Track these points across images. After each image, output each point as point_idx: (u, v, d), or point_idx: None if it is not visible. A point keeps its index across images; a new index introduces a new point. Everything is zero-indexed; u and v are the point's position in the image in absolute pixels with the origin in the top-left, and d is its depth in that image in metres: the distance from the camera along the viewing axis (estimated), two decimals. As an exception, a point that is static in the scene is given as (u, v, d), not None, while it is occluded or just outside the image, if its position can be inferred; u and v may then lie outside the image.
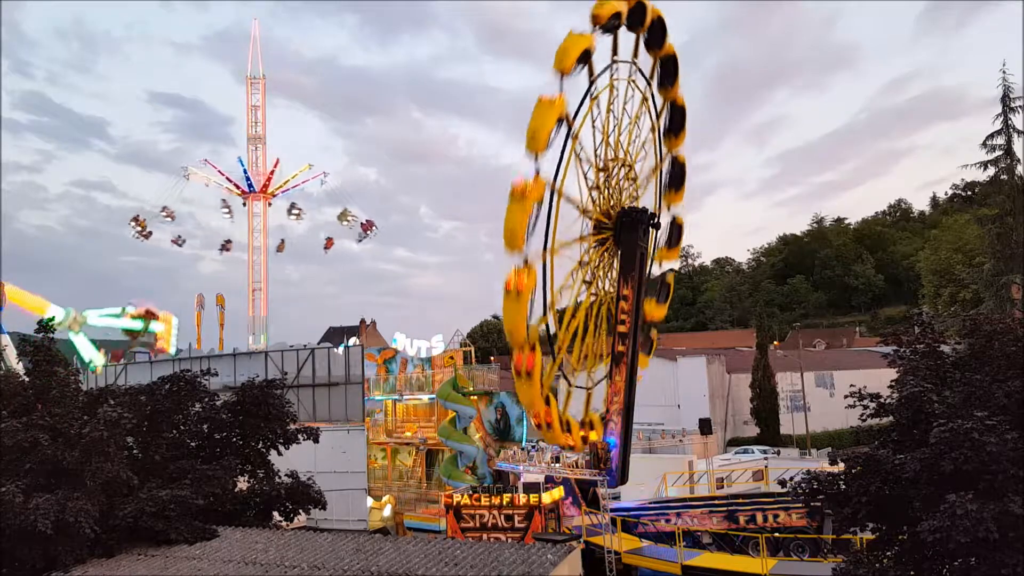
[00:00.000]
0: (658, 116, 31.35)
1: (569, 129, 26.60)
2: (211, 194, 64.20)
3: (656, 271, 32.59)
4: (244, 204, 61.03)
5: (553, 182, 26.17)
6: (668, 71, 30.84)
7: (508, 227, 24.58)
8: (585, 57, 26.32)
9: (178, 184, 59.66)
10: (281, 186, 61.12)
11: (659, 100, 31.29)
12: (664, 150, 32.06)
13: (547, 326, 27.35)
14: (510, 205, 24.55)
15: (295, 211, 62.14)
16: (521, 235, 24.56)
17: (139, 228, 58.41)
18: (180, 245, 61.14)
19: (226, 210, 61.17)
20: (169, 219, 59.54)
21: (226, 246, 63.15)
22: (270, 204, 61.62)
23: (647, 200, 31.22)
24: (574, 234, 27.90)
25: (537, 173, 24.99)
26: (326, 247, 64.01)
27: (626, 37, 29.05)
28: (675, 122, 31.93)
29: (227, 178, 60.73)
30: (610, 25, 27.24)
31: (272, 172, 60.89)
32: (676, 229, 33.46)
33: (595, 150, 28.60)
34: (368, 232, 62.80)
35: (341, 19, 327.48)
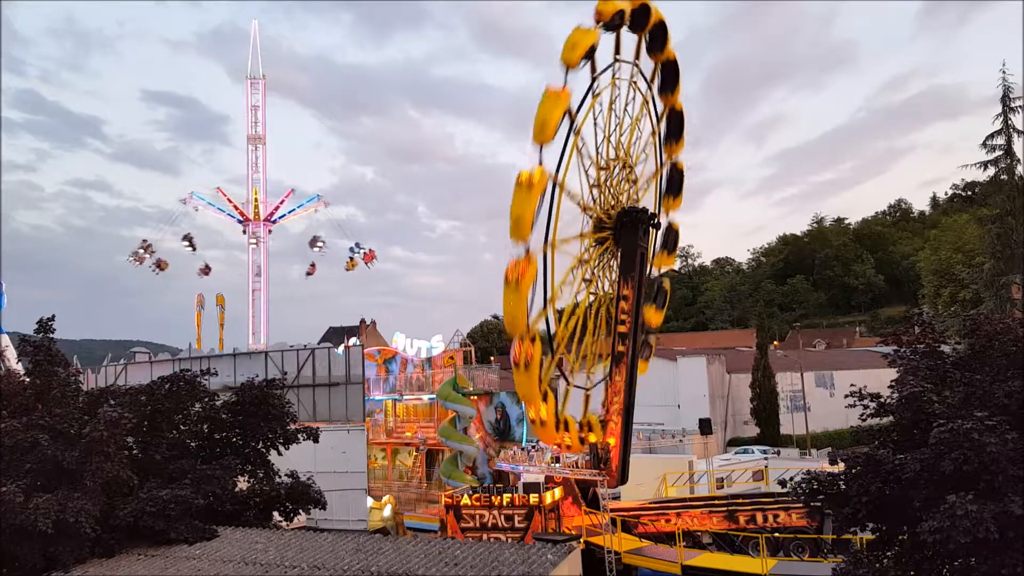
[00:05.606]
0: (659, 121, 31.31)
1: (572, 123, 26.51)
2: (209, 194, 63.64)
3: (653, 276, 32.55)
4: (244, 231, 61.04)
5: (555, 175, 26.05)
6: (668, 77, 30.91)
7: (515, 215, 24.32)
8: (590, 53, 26.32)
9: (180, 216, 59.56)
10: (270, 214, 60.90)
11: (659, 105, 31.28)
12: (664, 156, 32.09)
13: (547, 321, 27.23)
14: (516, 193, 24.30)
15: (359, 249, 62.36)
16: (528, 223, 24.35)
17: (149, 263, 57.96)
18: (207, 273, 61.26)
19: (187, 243, 60.54)
20: (148, 255, 58.78)
21: (205, 270, 62.57)
22: (270, 231, 61.55)
23: (646, 204, 31.11)
24: (575, 231, 27.85)
25: (541, 164, 24.87)
26: (309, 273, 63.87)
27: (628, 39, 29.07)
28: (674, 128, 31.98)
29: (236, 203, 60.23)
30: (613, 23, 27.21)
31: (256, 204, 60.63)
32: (673, 235, 33.55)
33: (596, 148, 28.58)
34: (315, 247, 62.41)
35: (336, 17, 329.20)
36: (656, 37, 29.67)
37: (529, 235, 24.62)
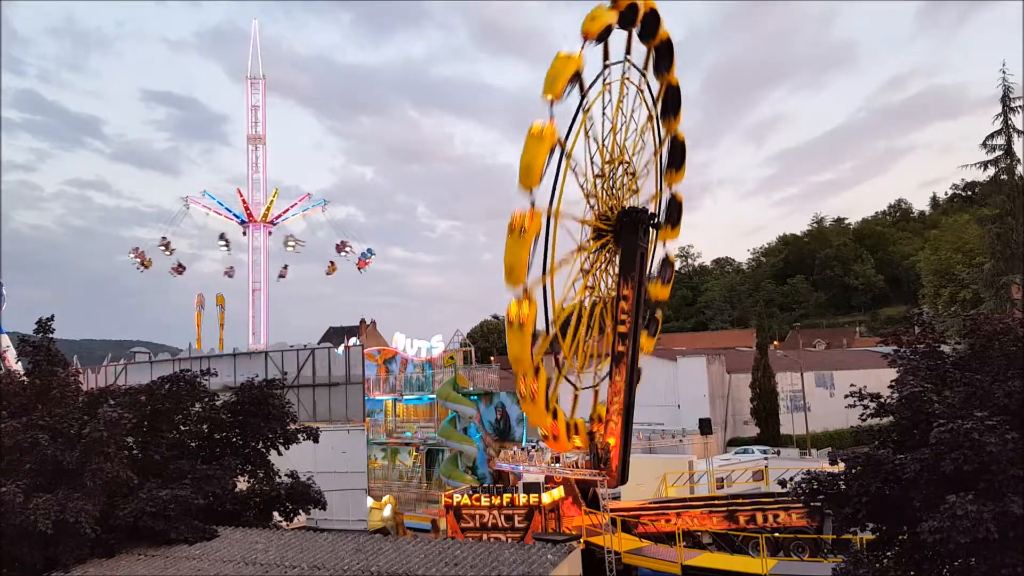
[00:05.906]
0: (656, 101, 30.94)
1: (563, 151, 26.19)
2: (219, 194, 63.84)
3: (659, 251, 32.32)
4: (244, 234, 61.03)
5: (549, 207, 25.84)
6: (663, 56, 30.52)
7: (508, 263, 24.41)
8: (575, 77, 25.99)
9: (179, 216, 59.64)
10: (273, 217, 60.89)
11: (656, 85, 30.91)
12: (663, 132, 31.73)
13: (552, 347, 27.46)
14: (509, 241, 24.31)
15: (371, 253, 62.57)
16: (521, 271, 24.41)
17: (139, 260, 58.10)
18: (181, 273, 61.18)
19: (223, 243, 61.04)
20: (167, 252, 58.99)
21: (228, 272, 62.83)
22: (270, 233, 61.54)
23: (648, 182, 31.09)
24: (573, 245, 27.75)
25: (533, 205, 24.62)
26: (281, 275, 63.76)
27: (618, 34, 28.56)
28: (672, 103, 31.57)
29: (246, 202, 60.19)
30: (602, 36, 26.96)
31: (270, 206, 60.64)
32: (676, 207, 33.04)
33: (591, 159, 28.35)
34: (343, 252, 62.54)
35: (335, 16, 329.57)
36: (648, 25, 29.32)
37: (523, 281, 24.59)
